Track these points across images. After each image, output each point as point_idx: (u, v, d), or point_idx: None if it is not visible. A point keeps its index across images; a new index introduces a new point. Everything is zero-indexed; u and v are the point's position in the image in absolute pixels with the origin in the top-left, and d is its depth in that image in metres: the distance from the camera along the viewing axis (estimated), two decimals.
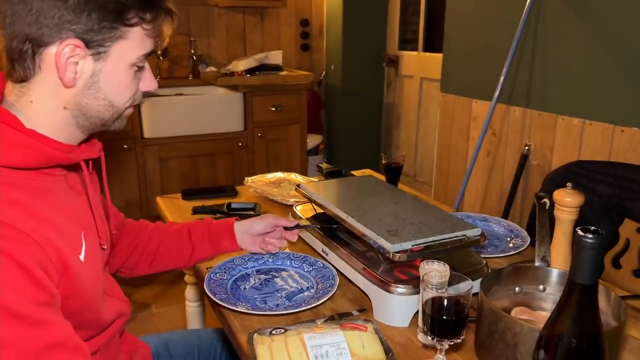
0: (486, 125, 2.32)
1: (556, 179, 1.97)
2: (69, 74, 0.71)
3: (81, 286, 0.71)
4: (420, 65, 3.40)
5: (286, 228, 1.14)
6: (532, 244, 1.11)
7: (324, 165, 1.74)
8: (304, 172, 3.34)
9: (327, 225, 1.14)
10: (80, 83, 0.73)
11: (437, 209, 1.10)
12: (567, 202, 0.97)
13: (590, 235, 0.57)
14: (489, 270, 1.01)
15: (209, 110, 2.96)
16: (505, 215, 2.32)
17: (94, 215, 0.78)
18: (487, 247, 1.22)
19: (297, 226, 1.16)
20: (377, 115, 3.84)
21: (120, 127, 0.81)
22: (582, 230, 0.57)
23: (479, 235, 1.00)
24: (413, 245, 0.94)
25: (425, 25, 3.34)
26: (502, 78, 2.23)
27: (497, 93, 2.24)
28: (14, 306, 0.59)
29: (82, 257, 0.72)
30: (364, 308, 0.96)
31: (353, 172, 1.75)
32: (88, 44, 0.71)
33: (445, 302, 0.77)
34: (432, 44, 3.31)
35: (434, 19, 3.27)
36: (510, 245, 1.21)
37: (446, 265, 0.83)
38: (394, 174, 1.43)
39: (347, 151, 3.78)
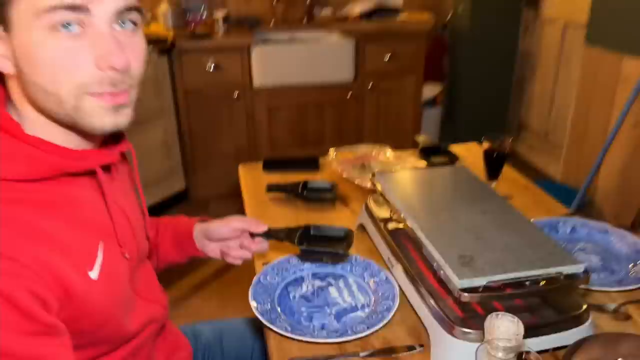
0: (637, 89, 1.90)
1: None
2: None
3: (92, 306, 0.66)
4: (566, 6, 2.88)
5: (252, 235, 0.94)
6: None
7: (421, 139, 1.55)
8: (416, 128, 3.12)
9: (311, 250, 0.91)
10: (8, 68, 0.62)
11: (533, 228, 0.88)
12: None
13: None
14: (589, 317, 0.79)
15: (319, 58, 2.82)
16: None
17: (114, 222, 0.72)
18: (599, 273, 0.98)
19: (266, 235, 0.93)
20: (508, 64, 3.40)
21: (93, 125, 0.64)
22: None
23: (580, 274, 0.78)
24: (488, 282, 0.76)
25: None
26: None
27: None
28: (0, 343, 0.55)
29: (94, 273, 0.66)
30: (421, 345, 0.82)
31: (454, 146, 1.54)
32: None
33: None
34: None
35: None
36: (632, 274, 0.96)
37: (519, 324, 0.65)
38: (495, 163, 1.20)
39: (470, 104, 3.44)
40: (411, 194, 1.01)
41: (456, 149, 1.54)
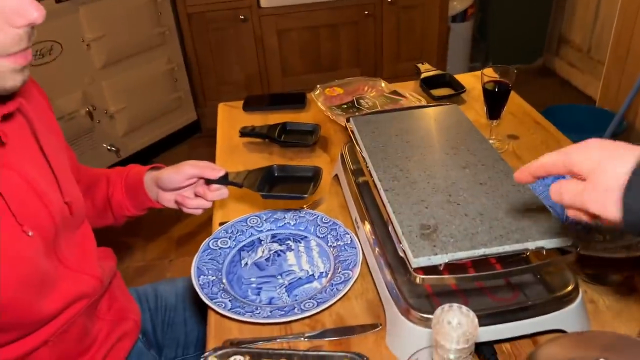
0: None
1: None
2: None
3: None
4: None
5: (207, 182, 0.84)
6: None
7: (423, 67, 1.36)
8: (442, 46, 2.86)
9: (270, 195, 0.83)
10: None
11: (519, 186, 0.73)
12: None
13: None
14: (577, 297, 0.66)
15: None
16: None
17: (5, 198, 0.62)
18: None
19: (224, 180, 0.83)
20: None
21: (6, 88, 0.59)
22: None
23: (568, 249, 0.64)
24: (451, 260, 0.63)
25: None
26: None
27: None
28: None
29: None
30: (379, 325, 0.72)
31: (463, 75, 1.34)
32: None
33: None
34: None
35: None
36: None
37: (472, 317, 0.53)
38: (496, 101, 1.02)
39: (504, 17, 3.10)
40: (385, 141, 0.86)
41: (465, 77, 1.35)
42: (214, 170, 0.83)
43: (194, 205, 0.85)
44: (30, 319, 0.67)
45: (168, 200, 0.87)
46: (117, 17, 2.16)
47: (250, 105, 1.32)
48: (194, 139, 2.77)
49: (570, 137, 1.10)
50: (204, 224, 2.20)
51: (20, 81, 0.59)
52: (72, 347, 0.75)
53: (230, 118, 1.29)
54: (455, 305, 0.54)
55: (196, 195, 0.85)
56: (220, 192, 0.84)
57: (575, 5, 2.91)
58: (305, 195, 0.81)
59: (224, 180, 0.84)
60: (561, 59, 3.11)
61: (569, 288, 0.66)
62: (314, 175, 0.86)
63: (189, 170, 0.83)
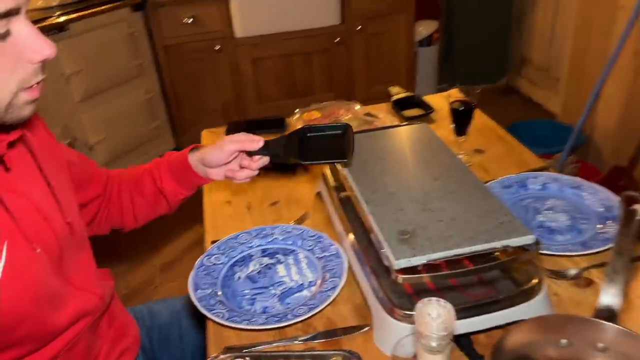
0: (634, 15, 1.74)
1: None
2: None
3: None
4: None
5: (249, 153, 0.89)
6: None
7: (394, 90, 1.46)
8: (411, 69, 2.99)
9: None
10: None
11: (486, 194, 0.82)
12: None
13: None
14: (542, 290, 0.74)
15: (302, 2, 2.66)
16: None
17: (15, 218, 0.67)
18: (564, 233, 0.92)
19: (264, 150, 0.87)
20: None
21: (21, 117, 0.64)
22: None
23: (531, 245, 0.72)
24: (428, 261, 0.71)
25: None
26: None
27: None
28: None
29: None
30: (367, 326, 0.78)
31: (431, 96, 1.44)
32: None
33: None
34: None
35: None
36: (601, 234, 0.89)
37: (449, 309, 0.60)
38: (462, 119, 1.12)
39: (468, 40, 3.26)
40: (363, 159, 0.94)
41: (434, 99, 1.45)
42: (253, 142, 0.88)
43: (243, 176, 0.91)
44: (41, 333, 0.71)
45: (217, 174, 0.93)
46: (95, 51, 2.21)
47: (233, 130, 1.39)
48: None
49: (534, 151, 1.20)
50: (186, 250, 2.24)
51: (31, 111, 0.65)
52: None
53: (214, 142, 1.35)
54: (434, 299, 0.61)
55: (242, 167, 0.91)
56: (262, 160, 0.90)
57: (532, 27, 3.09)
58: (346, 160, 0.84)
59: (264, 150, 0.88)
60: (523, 77, 3.27)
61: (534, 282, 0.74)
62: (344, 133, 0.87)
63: (230, 146, 0.88)
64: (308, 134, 0.89)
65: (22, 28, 0.60)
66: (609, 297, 0.63)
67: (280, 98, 2.86)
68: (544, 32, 2.98)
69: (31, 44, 0.61)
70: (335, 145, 0.86)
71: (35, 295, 0.68)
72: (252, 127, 1.41)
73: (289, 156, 0.87)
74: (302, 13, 2.68)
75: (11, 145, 0.70)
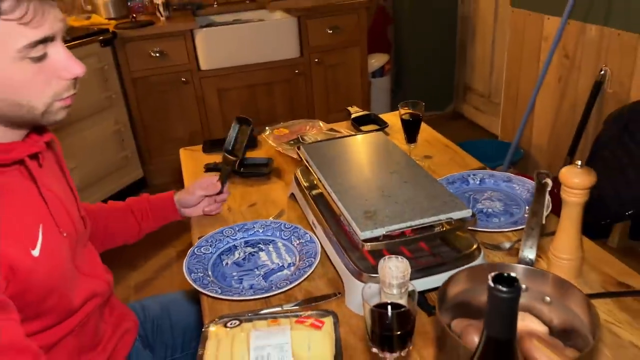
0: (555, 44, 2.02)
1: (620, 120, 1.71)
2: None
3: (35, 280, 0.74)
4: None
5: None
6: (555, 212, 0.98)
7: (353, 110, 1.65)
8: (365, 98, 3.22)
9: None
10: None
11: (433, 182, 0.99)
12: (575, 183, 0.83)
13: (505, 289, 0.47)
14: (480, 255, 0.91)
15: (264, 38, 2.87)
16: (572, 150, 2.08)
17: (48, 205, 0.80)
18: (499, 216, 1.10)
19: (220, 192, 1.18)
20: (451, 30, 3.51)
21: (56, 120, 0.78)
22: (494, 279, 0.48)
23: (468, 218, 0.90)
24: (387, 232, 0.86)
25: None
26: None
27: (569, 6, 1.92)
28: None
29: (36, 251, 0.75)
30: (339, 292, 0.93)
31: (385, 115, 1.63)
32: None
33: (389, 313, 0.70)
34: None
35: None
36: (527, 214, 1.08)
37: (405, 262, 0.76)
38: (411, 128, 1.30)
39: (417, 70, 3.54)
40: (330, 160, 1.10)
41: (387, 116, 1.64)
42: (214, 188, 1.17)
43: (215, 209, 1.19)
44: (63, 307, 0.82)
45: (191, 212, 1.19)
46: None
47: (208, 148, 1.53)
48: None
49: None
50: (159, 270, 2.32)
51: (63, 116, 0.78)
52: (89, 339, 0.89)
53: (192, 159, 1.49)
54: (393, 256, 0.76)
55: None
56: (223, 196, 1.19)
57: (474, 59, 3.40)
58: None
59: (219, 193, 1.18)
60: (468, 104, 3.57)
61: (473, 248, 0.91)
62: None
63: (198, 192, 1.16)
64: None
65: (57, 52, 0.74)
66: (527, 249, 0.81)
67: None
68: (484, 64, 3.29)
69: (64, 65, 0.75)
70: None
71: (62, 273, 0.80)
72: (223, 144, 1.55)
73: (229, 167, 1.21)
74: (264, 47, 2.88)
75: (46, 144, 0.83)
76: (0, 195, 0.74)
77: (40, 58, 0.72)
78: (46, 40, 0.72)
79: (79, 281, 0.86)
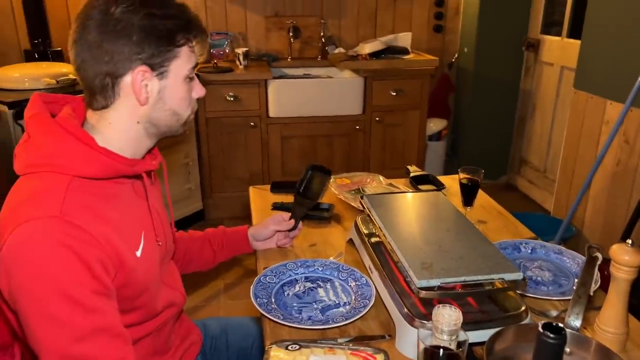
0: (615, 128, 2.07)
1: None
2: (143, 95, 0.87)
3: (135, 277, 0.86)
4: (562, 52, 3.09)
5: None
6: (604, 289, 1.03)
7: (412, 169, 1.74)
8: (420, 159, 3.31)
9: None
10: (151, 100, 0.89)
11: (487, 243, 1.07)
12: (625, 260, 0.89)
13: (553, 335, 0.55)
14: (528, 318, 0.97)
15: (330, 93, 3.05)
16: (626, 234, 2.08)
17: (152, 216, 0.94)
18: (548, 285, 1.15)
19: (293, 228, 1.29)
20: (511, 103, 3.60)
21: (185, 132, 0.97)
22: (543, 327, 0.56)
23: (519, 280, 0.96)
24: (442, 283, 0.94)
25: (572, 6, 3.01)
26: None
27: (632, 94, 1.98)
28: (73, 293, 0.75)
29: (139, 253, 0.88)
30: (390, 335, 1.00)
31: (442, 177, 1.72)
32: (153, 67, 0.86)
33: (441, 353, 0.78)
34: (579, 30, 2.97)
35: (584, 0, 2.93)
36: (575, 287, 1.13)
37: (459, 312, 0.83)
38: (469, 192, 1.39)
39: (473, 139, 3.63)
40: (391, 213, 1.20)
41: (444, 179, 1.73)
42: (286, 223, 1.29)
43: (287, 243, 1.32)
44: (151, 307, 0.93)
45: (262, 245, 1.32)
46: None
47: (276, 188, 1.66)
48: (198, 226, 3.05)
49: None
50: (208, 299, 2.43)
51: (186, 130, 0.97)
52: (162, 344, 1.00)
53: (260, 197, 1.62)
54: (447, 304, 0.84)
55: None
56: (295, 232, 1.32)
57: (532, 133, 3.46)
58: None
59: (292, 229, 1.30)
60: (522, 177, 3.60)
61: (522, 310, 0.97)
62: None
63: (272, 226, 1.29)
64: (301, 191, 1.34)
65: (194, 77, 0.93)
66: (573, 315, 0.86)
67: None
68: (542, 139, 3.34)
69: (197, 87, 0.95)
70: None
71: (154, 276, 0.92)
72: (292, 187, 1.67)
73: (302, 210, 1.31)
74: (330, 102, 3.06)
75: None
76: (118, 201, 0.88)
77: (192, 79, 0.92)
78: (195, 67, 0.91)
79: (162, 289, 0.98)
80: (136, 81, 0.85)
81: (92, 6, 0.83)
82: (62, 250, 0.75)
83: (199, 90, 0.95)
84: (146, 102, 0.88)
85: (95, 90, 0.86)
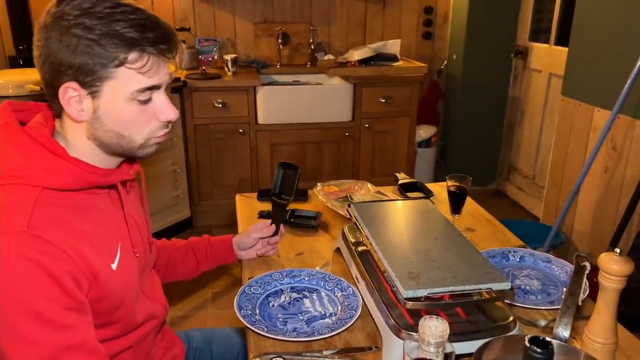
0: (602, 136, 2.07)
1: None
2: (73, 111, 0.81)
3: (111, 290, 0.83)
4: (550, 60, 3.11)
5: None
6: (592, 297, 1.02)
7: (400, 176, 1.73)
8: (410, 166, 3.31)
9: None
10: (86, 118, 0.82)
11: (475, 252, 1.05)
12: (613, 270, 0.87)
13: (540, 350, 0.53)
14: (516, 328, 0.95)
15: (319, 100, 3.04)
16: (615, 241, 2.08)
17: (128, 227, 0.91)
18: (536, 294, 1.14)
19: (275, 233, 1.27)
20: (500, 110, 3.61)
21: (148, 154, 0.89)
22: (530, 341, 0.54)
23: (507, 290, 0.94)
24: (429, 294, 0.92)
25: (560, 14, 3.03)
26: (627, 85, 1.96)
27: (619, 102, 1.98)
28: (43, 310, 0.73)
29: (114, 265, 0.85)
30: (376, 346, 0.98)
31: (431, 184, 1.71)
32: (83, 85, 0.79)
33: None
34: (566, 37, 2.99)
35: (571, 8, 2.95)
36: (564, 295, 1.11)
37: (445, 323, 0.81)
38: (457, 200, 1.38)
39: (463, 145, 3.63)
40: (378, 222, 1.18)
41: (433, 186, 1.72)
42: (268, 230, 1.26)
43: (267, 251, 1.28)
44: (128, 321, 0.90)
45: (246, 254, 1.29)
46: None
47: (263, 196, 1.64)
48: (186, 234, 3.02)
49: None
50: (194, 309, 2.39)
51: (154, 150, 0.90)
52: (143, 357, 0.97)
53: (247, 204, 1.60)
54: (433, 316, 0.82)
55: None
56: (276, 238, 1.28)
57: (520, 140, 3.47)
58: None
59: (273, 235, 1.27)
60: (511, 183, 3.60)
61: (510, 320, 0.96)
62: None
63: (253, 234, 1.26)
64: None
65: (159, 98, 0.86)
66: (561, 326, 0.85)
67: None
68: (531, 146, 3.35)
69: (162, 110, 0.86)
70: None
71: (132, 288, 0.89)
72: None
73: (282, 213, 1.30)
74: (319, 109, 3.05)
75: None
76: (91, 212, 0.85)
77: (146, 102, 0.83)
78: (153, 88, 0.84)
79: (142, 301, 0.95)
80: (64, 96, 0.80)
81: (49, 12, 0.78)
82: (27, 265, 0.72)
83: (167, 113, 0.85)
84: (80, 119, 0.82)
85: (48, 97, 0.83)
